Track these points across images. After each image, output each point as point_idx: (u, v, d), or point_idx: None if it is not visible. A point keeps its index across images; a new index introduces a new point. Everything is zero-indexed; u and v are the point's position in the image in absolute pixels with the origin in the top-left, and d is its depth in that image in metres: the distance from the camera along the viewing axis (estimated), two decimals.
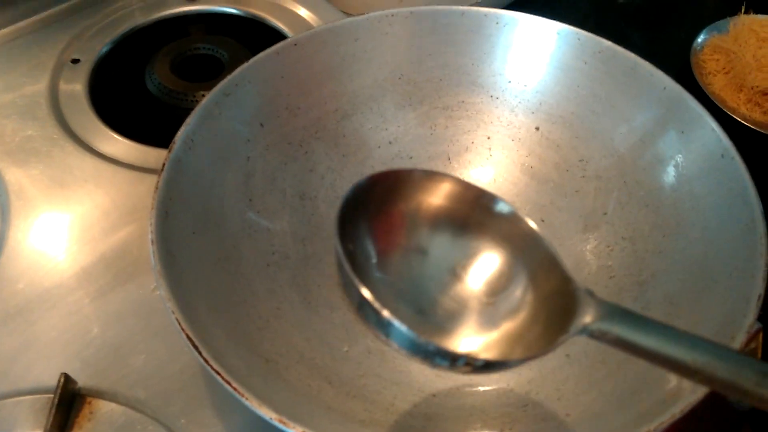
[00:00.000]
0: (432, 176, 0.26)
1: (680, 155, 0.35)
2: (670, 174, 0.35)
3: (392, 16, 0.39)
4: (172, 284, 0.28)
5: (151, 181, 0.44)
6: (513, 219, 0.26)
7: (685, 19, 0.67)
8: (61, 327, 0.37)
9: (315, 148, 0.40)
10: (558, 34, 0.39)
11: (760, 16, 0.62)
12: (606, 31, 0.38)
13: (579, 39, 0.38)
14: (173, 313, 0.27)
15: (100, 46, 0.52)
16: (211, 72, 0.51)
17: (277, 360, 0.31)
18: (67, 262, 0.40)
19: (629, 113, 0.37)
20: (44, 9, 0.55)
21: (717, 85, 0.59)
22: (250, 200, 0.37)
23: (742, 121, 0.54)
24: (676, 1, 0.69)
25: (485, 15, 0.39)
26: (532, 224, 0.26)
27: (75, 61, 0.51)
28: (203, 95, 0.49)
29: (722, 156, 0.33)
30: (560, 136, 0.40)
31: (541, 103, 0.40)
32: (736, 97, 0.59)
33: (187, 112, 0.49)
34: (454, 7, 0.40)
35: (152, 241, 0.29)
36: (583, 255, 0.37)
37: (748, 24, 0.61)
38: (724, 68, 0.61)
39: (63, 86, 0.49)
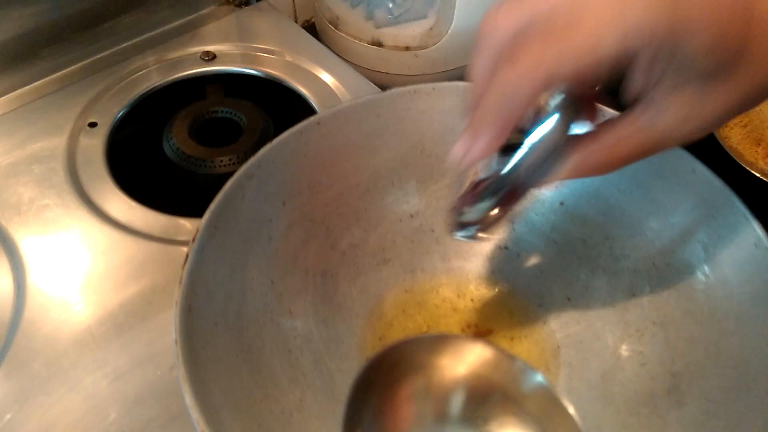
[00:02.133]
0: (443, 341, 0.24)
1: (711, 241, 0.34)
2: (701, 259, 0.35)
3: (414, 92, 0.39)
4: (196, 388, 0.28)
5: (169, 252, 0.43)
6: (540, 392, 0.24)
7: None
8: (79, 411, 0.36)
9: (336, 224, 0.40)
10: None
11: None
12: None
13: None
14: (198, 424, 0.26)
15: (118, 108, 0.52)
16: (229, 136, 0.51)
17: None
18: (84, 340, 0.39)
19: (656, 193, 0.37)
20: (60, 69, 0.55)
21: (734, 138, 0.59)
22: (272, 282, 0.36)
23: (761, 177, 0.53)
24: None
25: None
26: (564, 402, 0.24)
27: (92, 125, 0.51)
28: (221, 161, 0.49)
29: (755, 245, 0.32)
30: (585, 212, 0.39)
31: None
32: (754, 152, 0.58)
33: (205, 178, 0.49)
34: None
35: (176, 341, 0.29)
36: (612, 340, 0.36)
37: None
38: (741, 121, 0.60)
39: (80, 152, 0.49)
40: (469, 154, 0.27)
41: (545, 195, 0.41)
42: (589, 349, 0.37)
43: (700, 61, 0.23)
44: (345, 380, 0.35)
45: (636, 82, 0.27)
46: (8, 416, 0.36)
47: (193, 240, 0.32)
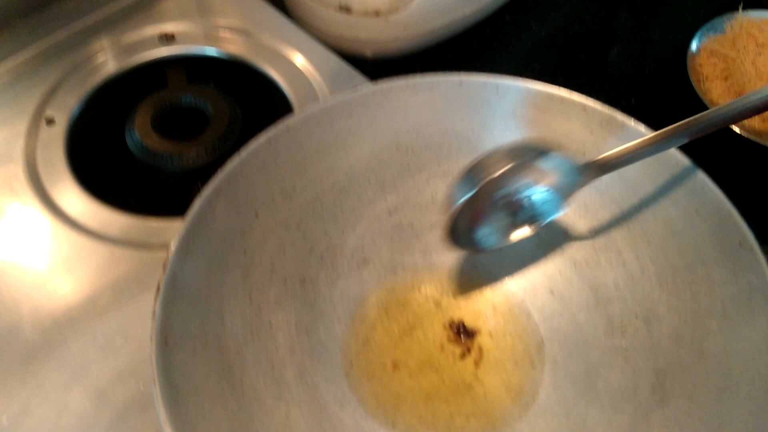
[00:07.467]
0: None
1: (695, 236, 0.34)
2: (685, 254, 0.34)
3: (388, 89, 0.37)
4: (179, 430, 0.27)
5: (142, 257, 0.42)
6: None
7: (678, 18, 0.65)
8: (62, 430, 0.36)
9: (313, 227, 0.39)
10: (563, 103, 0.37)
11: (756, 17, 0.60)
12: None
13: (585, 109, 0.36)
14: None
15: (75, 102, 0.49)
16: (195, 126, 0.49)
17: None
18: (58, 353, 0.38)
19: (638, 182, 0.36)
20: (9, 57, 0.52)
21: (715, 92, 0.57)
22: (250, 297, 0.35)
23: (741, 132, 0.53)
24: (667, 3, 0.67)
25: (484, 84, 0.37)
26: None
27: (50, 122, 0.48)
28: (188, 156, 0.47)
29: (740, 245, 0.32)
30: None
31: None
32: None
33: (172, 174, 0.47)
34: (452, 77, 0.37)
35: (155, 382, 0.28)
36: (595, 332, 0.36)
37: (746, 27, 0.60)
38: (722, 73, 0.59)
39: (40, 153, 0.47)
40: None
41: None
42: (572, 343, 0.37)
43: None
44: (330, 390, 0.35)
45: None
46: None
47: (164, 268, 0.31)
